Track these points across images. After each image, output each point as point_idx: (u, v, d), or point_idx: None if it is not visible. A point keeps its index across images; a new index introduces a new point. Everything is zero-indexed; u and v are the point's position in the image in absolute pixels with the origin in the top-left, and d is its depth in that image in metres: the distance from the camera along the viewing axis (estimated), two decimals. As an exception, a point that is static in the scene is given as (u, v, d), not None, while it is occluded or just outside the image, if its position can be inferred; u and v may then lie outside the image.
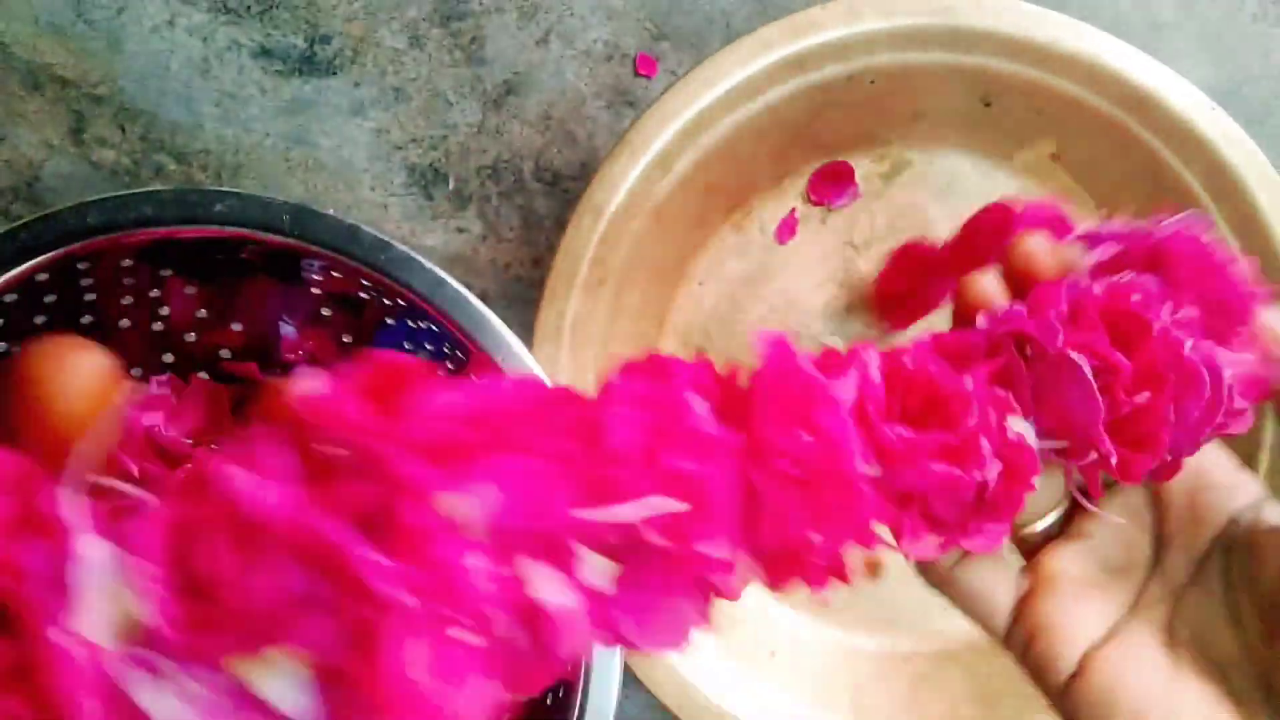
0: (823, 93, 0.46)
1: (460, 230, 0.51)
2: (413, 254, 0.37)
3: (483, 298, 0.51)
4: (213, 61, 0.51)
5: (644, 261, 0.46)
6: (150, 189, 0.36)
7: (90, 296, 0.39)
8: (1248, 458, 0.45)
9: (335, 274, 0.39)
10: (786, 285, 0.49)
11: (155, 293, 0.41)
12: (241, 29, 0.51)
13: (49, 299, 0.39)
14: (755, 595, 0.49)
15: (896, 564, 0.49)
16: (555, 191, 0.52)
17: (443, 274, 0.37)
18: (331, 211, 0.37)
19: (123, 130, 0.50)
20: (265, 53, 0.51)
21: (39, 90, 0.50)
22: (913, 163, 0.50)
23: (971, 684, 0.48)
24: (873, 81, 0.46)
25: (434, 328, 0.39)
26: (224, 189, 0.37)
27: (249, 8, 0.51)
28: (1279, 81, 0.54)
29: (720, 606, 0.45)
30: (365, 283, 0.39)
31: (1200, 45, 0.53)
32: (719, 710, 0.45)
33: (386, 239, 0.37)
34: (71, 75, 0.50)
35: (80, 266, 0.38)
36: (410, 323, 0.42)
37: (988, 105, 0.47)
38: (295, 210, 0.36)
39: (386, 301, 0.40)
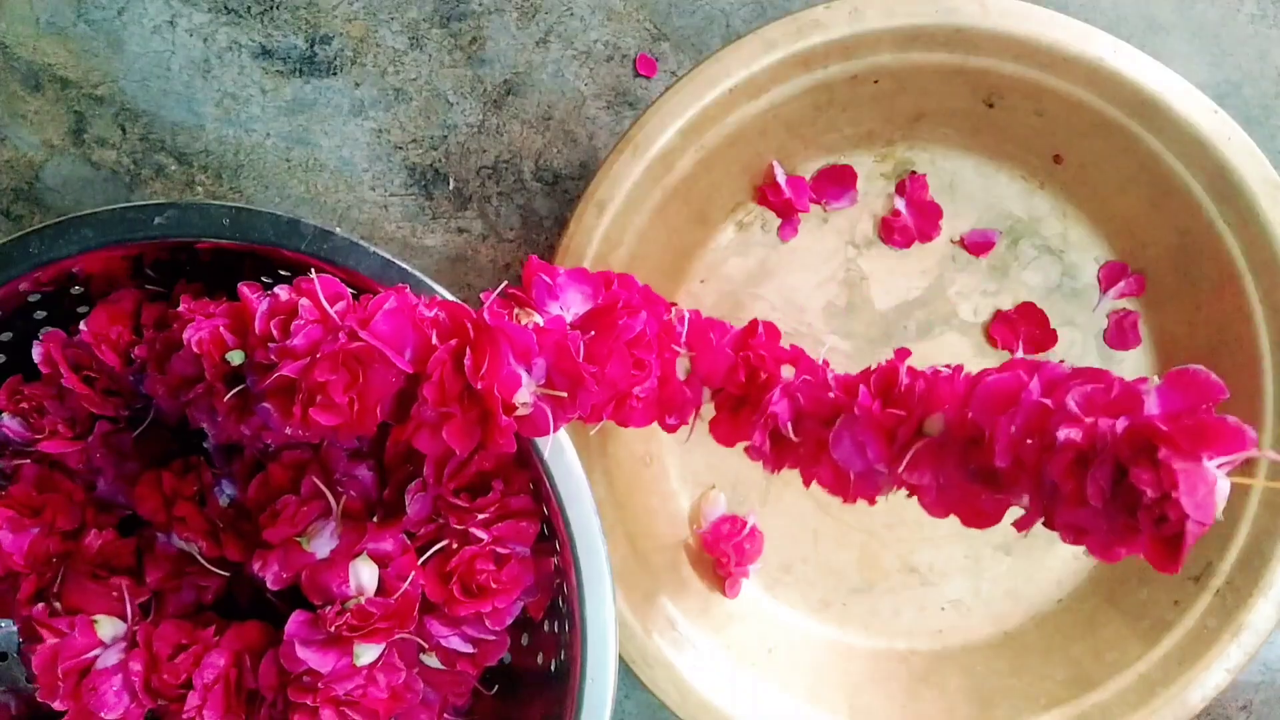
0: (826, 92, 0.46)
1: (461, 230, 0.51)
2: (356, 239, 0.36)
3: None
4: (213, 62, 0.50)
5: (646, 259, 0.46)
6: (88, 210, 0.35)
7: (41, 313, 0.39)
8: (1247, 460, 0.45)
9: (282, 271, 0.39)
10: (788, 284, 0.49)
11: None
12: (242, 29, 0.51)
13: (4, 337, 0.39)
14: (753, 594, 0.49)
15: (894, 564, 0.49)
16: (555, 191, 0.52)
17: (388, 255, 0.37)
18: (276, 208, 0.36)
19: (123, 131, 0.50)
20: (266, 53, 0.51)
21: (39, 90, 0.50)
22: (915, 163, 0.50)
23: (968, 684, 0.48)
24: (876, 81, 0.46)
25: None
26: (162, 202, 0.36)
27: (249, 8, 0.51)
28: (1276, 82, 0.54)
29: (721, 604, 0.47)
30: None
31: (1198, 46, 0.54)
32: (717, 709, 0.45)
33: (329, 228, 0.36)
34: (72, 75, 0.50)
35: (31, 299, 0.38)
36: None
37: (990, 106, 0.47)
38: (234, 213, 0.36)
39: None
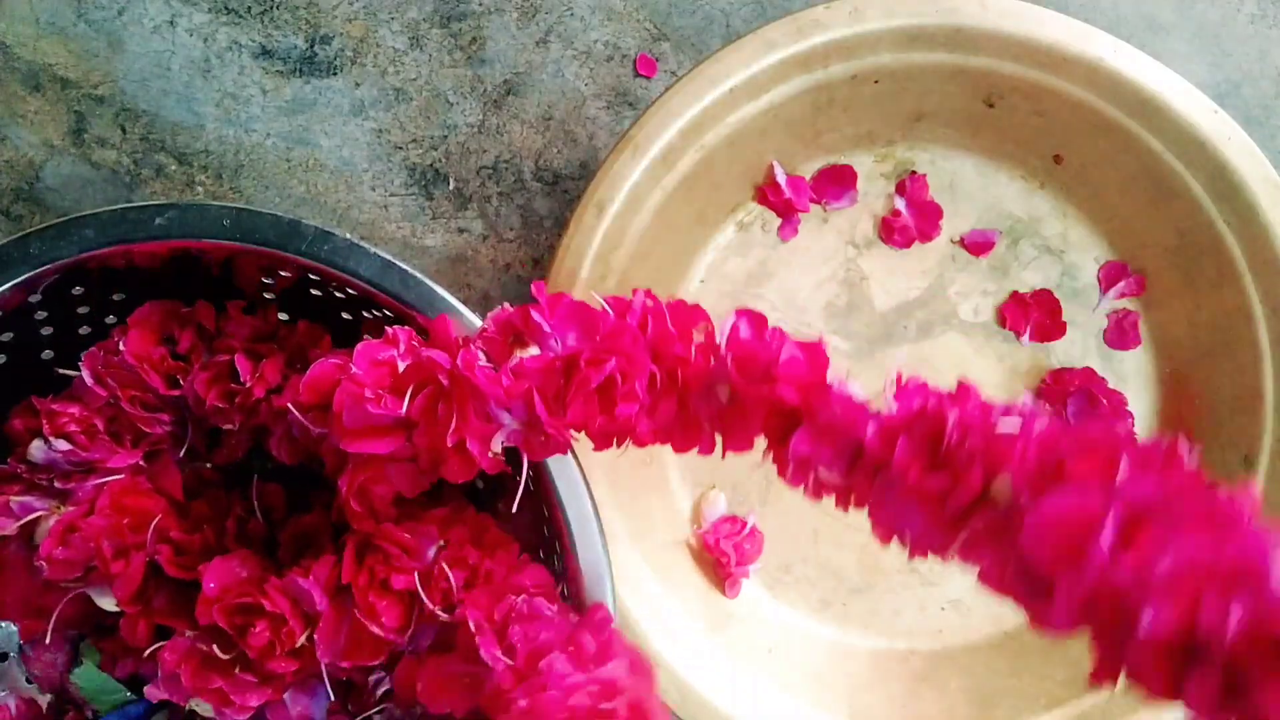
0: (826, 92, 0.46)
1: (461, 230, 0.51)
2: (357, 241, 0.36)
3: (483, 298, 0.51)
4: (213, 62, 0.50)
5: (646, 259, 0.46)
6: (88, 211, 0.35)
7: (47, 331, 0.39)
8: (1247, 461, 0.45)
9: (283, 273, 0.39)
10: (788, 284, 0.49)
11: (111, 318, 0.40)
12: (242, 29, 0.51)
13: (5, 337, 0.39)
14: (753, 594, 0.49)
15: (894, 564, 0.49)
16: (555, 191, 0.52)
17: (388, 256, 0.36)
18: (278, 211, 0.36)
19: (123, 131, 0.50)
20: (266, 53, 0.51)
21: (39, 90, 0.50)
22: (915, 163, 0.50)
23: (968, 684, 0.48)
24: (876, 81, 0.46)
25: (388, 313, 0.38)
26: (162, 202, 0.36)
27: (250, 8, 0.51)
28: (1276, 82, 0.54)
29: (721, 604, 0.47)
30: (313, 277, 0.38)
31: (1198, 46, 0.54)
32: (717, 709, 0.45)
33: (330, 229, 0.36)
34: (72, 75, 0.50)
35: (32, 300, 0.38)
36: (367, 314, 0.41)
37: (990, 106, 0.47)
38: (235, 213, 0.36)
39: (339, 295, 0.39)
